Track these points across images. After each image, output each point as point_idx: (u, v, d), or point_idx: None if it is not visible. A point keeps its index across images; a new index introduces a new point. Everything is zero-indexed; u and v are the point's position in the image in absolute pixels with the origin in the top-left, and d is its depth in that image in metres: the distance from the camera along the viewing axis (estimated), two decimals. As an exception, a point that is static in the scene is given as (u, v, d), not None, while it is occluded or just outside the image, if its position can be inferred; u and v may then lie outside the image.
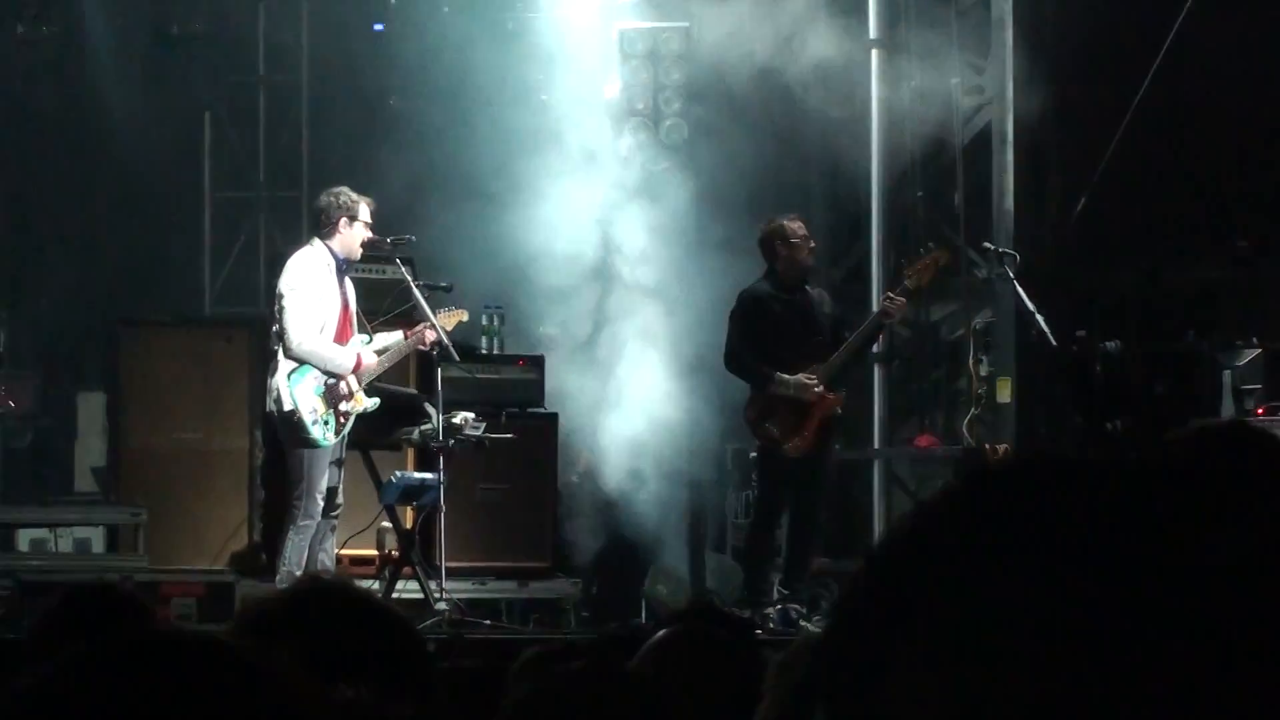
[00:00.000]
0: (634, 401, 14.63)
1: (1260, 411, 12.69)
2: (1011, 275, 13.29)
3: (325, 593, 2.69)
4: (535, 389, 13.84)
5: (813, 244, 12.59)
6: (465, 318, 12.44)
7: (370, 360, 11.88)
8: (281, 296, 11.72)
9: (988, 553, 1.23)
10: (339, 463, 11.82)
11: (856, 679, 1.25)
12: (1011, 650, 1.20)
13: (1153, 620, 1.19)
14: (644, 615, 13.49)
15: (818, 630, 11.40)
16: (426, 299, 12.18)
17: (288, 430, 11.75)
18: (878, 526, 14.72)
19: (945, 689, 1.21)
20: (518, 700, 2.73)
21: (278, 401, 11.71)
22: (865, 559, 1.29)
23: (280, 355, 11.73)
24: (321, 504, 11.65)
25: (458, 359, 12.17)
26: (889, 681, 1.23)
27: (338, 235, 11.74)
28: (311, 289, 11.67)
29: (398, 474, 12.39)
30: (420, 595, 12.14)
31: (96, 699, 1.48)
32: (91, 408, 15.34)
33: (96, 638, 1.53)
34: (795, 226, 12.48)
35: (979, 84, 14.73)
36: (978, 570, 1.22)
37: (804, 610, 12.20)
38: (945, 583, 1.23)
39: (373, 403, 11.88)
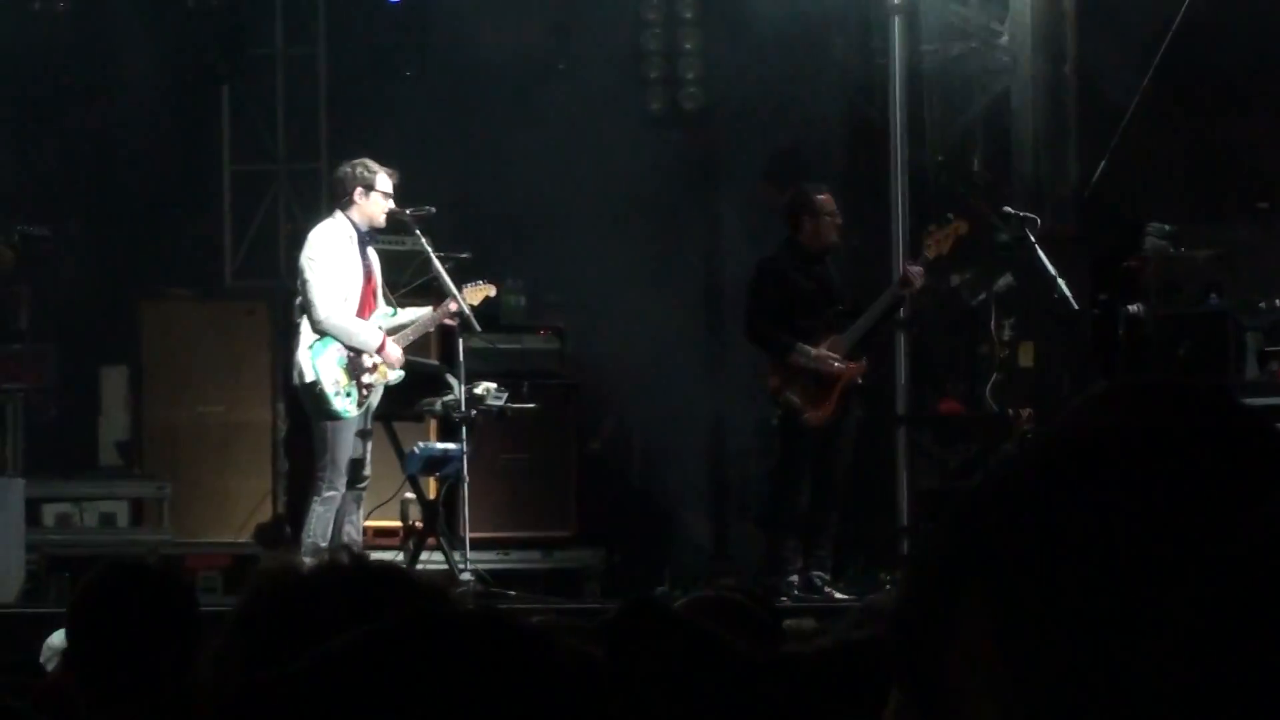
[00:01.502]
0: (656, 370, 14.61)
1: (1283, 372, 12.65)
2: (1033, 239, 13.25)
3: (366, 569, 2.65)
4: (556, 358, 13.84)
5: (839, 220, 12.39)
6: (494, 292, 12.30)
7: (395, 352, 11.73)
8: (303, 270, 11.69)
9: (1048, 517, 1.23)
10: (364, 434, 11.77)
11: (924, 646, 1.25)
12: (1071, 612, 1.20)
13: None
14: (667, 584, 13.49)
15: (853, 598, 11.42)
16: (447, 269, 12.15)
17: (310, 402, 11.74)
18: (902, 493, 14.69)
19: (1007, 654, 1.21)
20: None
21: (300, 374, 11.69)
22: (935, 524, 1.30)
23: (303, 328, 11.71)
24: (346, 476, 11.62)
25: (479, 329, 12.13)
26: (953, 650, 1.23)
27: (354, 206, 11.70)
28: (332, 261, 11.63)
29: (420, 445, 12.40)
30: (445, 566, 12.15)
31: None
32: (114, 382, 15.37)
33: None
34: (824, 200, 12.26)
35: (998, 47, 14.67)
36: (1038, 533, 1.23)
37: (827, 577, 12.18)
38: (1008, 546, 1.23)
39: (397, 375, 11.83)
